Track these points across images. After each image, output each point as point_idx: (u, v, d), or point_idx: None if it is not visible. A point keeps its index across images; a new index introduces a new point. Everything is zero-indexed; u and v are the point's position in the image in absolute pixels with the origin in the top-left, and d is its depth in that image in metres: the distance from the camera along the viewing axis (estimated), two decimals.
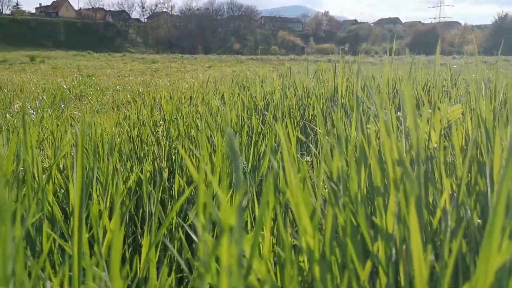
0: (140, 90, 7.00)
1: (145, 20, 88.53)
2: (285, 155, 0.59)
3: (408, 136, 0.71)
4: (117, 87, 8.35)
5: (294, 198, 0.50)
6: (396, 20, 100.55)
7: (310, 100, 1.92)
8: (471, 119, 0.89)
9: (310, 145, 1.07)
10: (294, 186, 0.53)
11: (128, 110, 2.25)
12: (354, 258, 0.53)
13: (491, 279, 0.39)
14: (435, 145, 0.90)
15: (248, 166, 1.24)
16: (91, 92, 7.28)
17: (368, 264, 0.53)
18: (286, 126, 1.26)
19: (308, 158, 1.23)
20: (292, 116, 1.74)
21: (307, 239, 0.49)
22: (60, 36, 70.58)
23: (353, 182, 0.59)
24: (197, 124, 1.42)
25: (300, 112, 1.78)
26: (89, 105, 5.35)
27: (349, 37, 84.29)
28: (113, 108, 4.54)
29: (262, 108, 1.89)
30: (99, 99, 6.17)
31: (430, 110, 0.97)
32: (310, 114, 1.84)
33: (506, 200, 0.40)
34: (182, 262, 0.57)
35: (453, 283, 0.55)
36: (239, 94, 1.98)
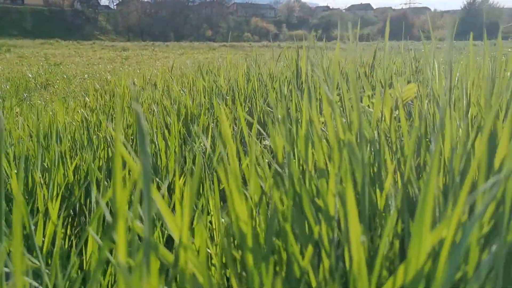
0: (109, 78, 6.85)
1: (115, 7, 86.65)
2: (225, 135, 0.56)
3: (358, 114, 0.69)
4: (85, 75, 8.15)
5: (228, 183, 0.47)
6: (367, 6, 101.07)
7: (275, 84, 1.89)
8: (426, 98, 0.88)
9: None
10: (232, 168, 0.50)
11: (88, 98, 2.18)
12: (293, 242, 0.51)
13: (423, 259, 0.37)
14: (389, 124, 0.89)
15: (206, 151, 1.21)
16: (58, 81, 7.09)
17: (310, 248, 0.51)
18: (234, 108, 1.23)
19: (266, 142, 1.20)
20: (255, 99, 1.71)
21: (240, 225, 0.46)
22: (26, 24, 68.50)
23: (293, 163, 0.57)
24: (153, 109, 1.38)
25: (263, 96, 1.75)
26: (55, 94, 5.20)
27: (321, 24, 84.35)
28: (76, 97, 4.43)
29: (225, 93, 1.85)
30: (65, 88, 6.01)
31: (382, 89, 0.95)
32: (276, 99, 1.82)
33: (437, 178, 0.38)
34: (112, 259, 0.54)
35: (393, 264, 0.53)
36: (202, 79, 1.94)
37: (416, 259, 0.38)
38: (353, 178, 0.58)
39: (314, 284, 0.52)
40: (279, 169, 0.60)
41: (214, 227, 0.76)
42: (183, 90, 1.71)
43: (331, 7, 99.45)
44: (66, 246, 0.85)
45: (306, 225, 0.57)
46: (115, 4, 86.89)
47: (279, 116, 0.69)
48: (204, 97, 1.67)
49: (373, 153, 0.64)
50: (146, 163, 0.31)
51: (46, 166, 1.02)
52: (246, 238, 0.46)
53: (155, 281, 0.33)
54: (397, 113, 0.93)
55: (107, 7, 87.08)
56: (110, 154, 1.15)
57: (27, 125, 1.41)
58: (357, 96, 0.58)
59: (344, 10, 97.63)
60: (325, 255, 0.52)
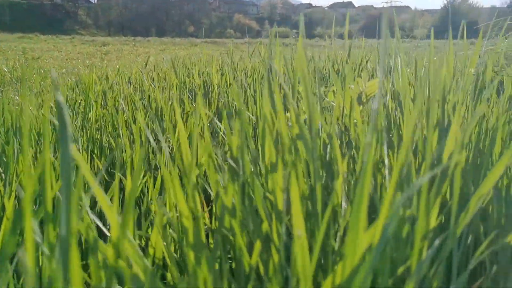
0: (87, 72, 6.75)
1: (95, 1, 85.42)
2: (180, 133, 0.55)
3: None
4: (63, 70, 8.02)
5: (168, 175, 0.46)
6: (349, 4, 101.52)
7: (249, 79, 1.88)
8: (388, 94, 0.88)
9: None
10: (186, 162, 0.49)
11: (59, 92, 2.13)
12: (239, 237, 0.50)
13: (358, 259, 0.37)
14: (355, 121, 0.88)
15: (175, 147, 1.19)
16: (34, 75, 6.96)
17: (258, 243, 0.50)
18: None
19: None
20: (228, 95, 1.69)
21: (182, 221, 0.45)
22: (4, 18, 67.10)
23: (246, 158, 0.56)
24: (121, 103, 1.35)
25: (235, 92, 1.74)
26: (30, 88, 5.10)
27: (304, 21, 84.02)
28: (50, 92, 4.35)
29: (197, 88, 1.84)
30: (42, 82, 5.90)
31: (351, 86, 0.95)
32: (248, 95, 1.81)
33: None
34: None
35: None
36: (174, 74, 1.92)
37: (352, 258, 0.37)
38: (307, 172, 0.57)
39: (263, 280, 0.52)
40: (233, 164, 0.59)
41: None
42: (153, 85, 1.69)
43: (313, 5, 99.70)
44: None
45: (259, 220, 0.56)
46: None
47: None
48: (176, 91, 1.65)
49: (328, 147, 0.63)
50: (66, 157, 0.30)
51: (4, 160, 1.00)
52: (188, 233, 0.46)
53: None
54: (361, 108, 0.92)
55: (87, 1, 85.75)
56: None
57: None
58: (308, 90, 0.57)
59: (326, 8, 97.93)
60: (275, 250, 0.51)
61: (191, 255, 0.45)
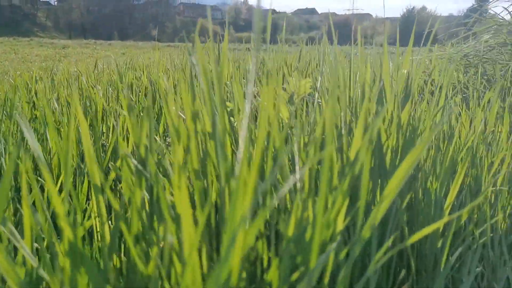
0: (41, 74, 6.54)
1: (55, 3, 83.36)
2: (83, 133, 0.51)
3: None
4: (17, 72, 7.77)
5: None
6: (313, 11, 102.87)
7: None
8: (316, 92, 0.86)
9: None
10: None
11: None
12: (131, 246, 0.46)
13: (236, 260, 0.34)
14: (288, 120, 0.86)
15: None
16: None
17: (155, 250, 0.47)
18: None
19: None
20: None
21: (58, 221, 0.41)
22: None
23: (151, 158, 0.52)
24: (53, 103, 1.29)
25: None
26: None
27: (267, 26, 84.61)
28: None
29: (141, 89, 1.79)
30: None
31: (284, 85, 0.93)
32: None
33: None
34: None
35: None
36: (118, 76, 1.86)
37: (228, 261, 0.34)
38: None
39: None
40: (139, 167, 0.55)
41: None
42: (95, 86, 1.63)
43: (277, 11, 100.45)
44: None
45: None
46: (55, 0, 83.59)
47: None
48: (118, 92, 1.60)
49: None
50: None
51: None
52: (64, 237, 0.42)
53: None
54: (292, 108, 0.90)
55: (47, 3, 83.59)
56: None
57: None
58: (220, 86, 0.54)
59: (290, 14, 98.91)
60: (176, 258, 0.48)
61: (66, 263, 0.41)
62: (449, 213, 0.80)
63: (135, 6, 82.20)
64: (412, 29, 1.16)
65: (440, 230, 0.76)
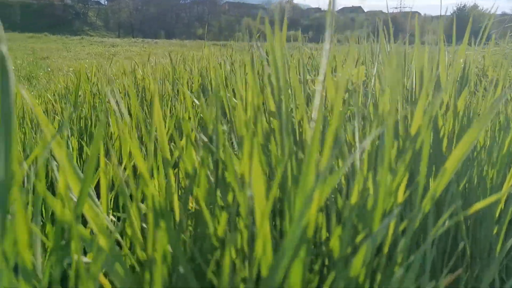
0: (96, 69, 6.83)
1: (106, 2, 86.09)
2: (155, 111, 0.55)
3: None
4: (70, 69, 8.11)
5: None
6: (358, 9, 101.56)
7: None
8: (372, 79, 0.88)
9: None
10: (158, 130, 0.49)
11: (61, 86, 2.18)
12: (205, 209, 0.50)
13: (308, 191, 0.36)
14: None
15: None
16: (41, 74, 7.03)
17: (224, 215, 0.50)
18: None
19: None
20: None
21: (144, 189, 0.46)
22: (15, 18, 67.79)
23: (221, 132, 0.56)
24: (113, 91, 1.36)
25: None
26: (35, 86, 5.15)
27: (313, 25, 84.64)
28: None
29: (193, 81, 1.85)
30: (48, 80, 5.95)
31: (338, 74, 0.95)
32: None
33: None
34: None
35: None
36: (172, 68, 1.93)
37: (298, 219, 0.37)
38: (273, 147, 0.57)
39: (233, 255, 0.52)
40: (205, 139, 0.59)
41: None
42: (148, 77, 1.71)
43: (322, 9, 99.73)
44: None
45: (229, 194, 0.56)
46: (106, 0, 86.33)
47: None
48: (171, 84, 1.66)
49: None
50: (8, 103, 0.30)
51: None
52: (148, 199, 0.46)
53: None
54: (346, 96, 0.92)
55: (97, 2, 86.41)
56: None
57: None
58: (282, 69, 0.57)
59: (336, 12, 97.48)
60: (242, 223, 0.51)
61: (150, 217, 0.45)
62: (505, 201, 0.80)
63: (182, 5, 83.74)
64: (463, 27, 1.15)
65: (496, 216, 0.76)
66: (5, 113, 0.30)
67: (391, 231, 0.49)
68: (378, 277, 0.49)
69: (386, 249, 0.48)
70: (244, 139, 0.47)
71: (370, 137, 0.42)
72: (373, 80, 0.83)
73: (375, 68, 0.85)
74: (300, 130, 0.61)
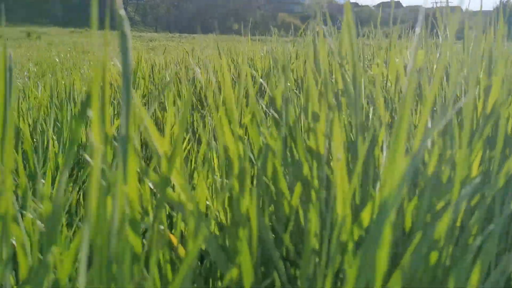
0: (133, 63, 6.98)
1: None
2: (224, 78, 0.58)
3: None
4: (111, 62, 8.30)
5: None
6: (397, 4, 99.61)
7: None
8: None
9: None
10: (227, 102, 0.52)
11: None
12: (281, 178, 0.52)
13: (397, 182, 0.38)
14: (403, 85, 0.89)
15: None
16: (84, 66, 7.23)
17: (299, 185, 0.52)
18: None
19: None
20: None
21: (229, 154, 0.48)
22: (56, 12, 69.75)
23: (290, 107, 0.58)
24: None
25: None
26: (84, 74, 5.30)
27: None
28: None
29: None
30: (91, 71, 6.12)
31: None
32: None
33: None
34: None
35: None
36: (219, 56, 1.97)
37: (390, 183, 0.38)
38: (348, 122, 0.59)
39: (302, 221, 0.53)
40: (275, 115, 0.61)
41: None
42: (198, 67, 1.74)
43: (359, 4, 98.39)
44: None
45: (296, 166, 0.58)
46: None
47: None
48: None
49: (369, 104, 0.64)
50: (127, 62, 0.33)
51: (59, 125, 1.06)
52: (232, 165, 0.48)
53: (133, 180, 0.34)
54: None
55: None
56: None
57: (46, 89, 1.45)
58: (354, 51, 0.58)
59: (373, 7, 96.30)
60: (314, 193, 0.53)
61: (235, 184, 0.47)
62: None
63: (217, 0, 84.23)
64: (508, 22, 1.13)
65: None
66: (125, 72, 0.33)
67: (464, 204, 0.50)
68: (450, 248, 0.49)
69: (459, 222, 0.49)
70: (319, 112, 0.49)
71: (452, 111, 0.43)
72: (435, 65, 0.83)
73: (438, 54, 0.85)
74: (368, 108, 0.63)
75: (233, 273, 0.46)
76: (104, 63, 0.36)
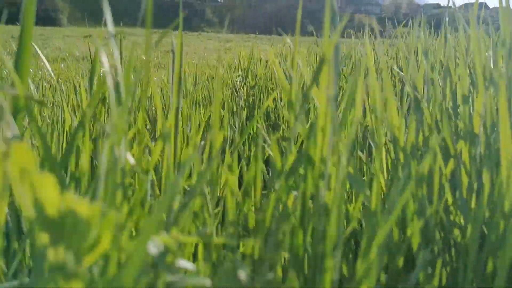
0: (214, 63, 7.33)
1: (222, 0, 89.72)
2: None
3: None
4: (193, 61, 8.72)
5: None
6: (482, 5, 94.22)
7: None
8: None
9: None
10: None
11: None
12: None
13: None
14: None
15: None
16: (169, 64, 7.67)
17: (451, 162, 0.62)
18: None
19: None
20: None
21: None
22: (139, 14, 72.99)
23: (436, 89, 0.69)
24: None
25: None
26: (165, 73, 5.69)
27: (430, 22, 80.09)
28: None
29: None
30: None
31: None
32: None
33: None
34: None
35: None
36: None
37: None
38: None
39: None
40: (418, 96, 0.72)
41: None
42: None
43: (442, 5, 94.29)
44: None
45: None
46: None
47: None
48: None
49: None
50: None
51: None
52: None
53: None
54: None
55: (214, 0, 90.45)
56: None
57: None
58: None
59: (456, 8, 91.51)
60: (464, 171, 0.63)
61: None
62: None
63: (294, 2, 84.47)
64: None
65: None
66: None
67: None
68: None
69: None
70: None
71: None
72: None
73: None
74: None
75: None
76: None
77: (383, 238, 0.42)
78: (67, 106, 0.93)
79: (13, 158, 0.27)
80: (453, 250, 0.58)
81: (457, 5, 1.46)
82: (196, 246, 0.48)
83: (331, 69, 0.45)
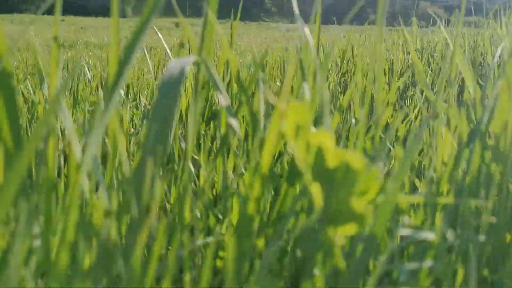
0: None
1: None
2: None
3: None
4: (254, 49, 8.75)
5: None
6: None
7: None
8: None
9: None
10: None
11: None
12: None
13: None
14: None
15: None
16: (234, 53, 7.75)
17: None
18: None
19: None
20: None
21: None
22: (199, 5, 74.22)
23: None
24: None
25: None
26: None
27: (501, 10, 75.58)
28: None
29: None
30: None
31: None
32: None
33: None
34: None
35: None
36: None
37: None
38: None
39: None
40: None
41: None
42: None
43: None
44: None
45: None
46: None
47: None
48: None
49: None
50: None
51: None
52: None
53: None
54: None
55: None
56: None
57: None
58: None
59: None
60: None
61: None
62: None
63: None
64: None
65: None
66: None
67: None
68: None
69: None
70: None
71: None
72: None
73: None
74: None
75: None
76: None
77: None
78: None
79: (289, 116, 0.31)
80: None
81: None
82: None
83: None
